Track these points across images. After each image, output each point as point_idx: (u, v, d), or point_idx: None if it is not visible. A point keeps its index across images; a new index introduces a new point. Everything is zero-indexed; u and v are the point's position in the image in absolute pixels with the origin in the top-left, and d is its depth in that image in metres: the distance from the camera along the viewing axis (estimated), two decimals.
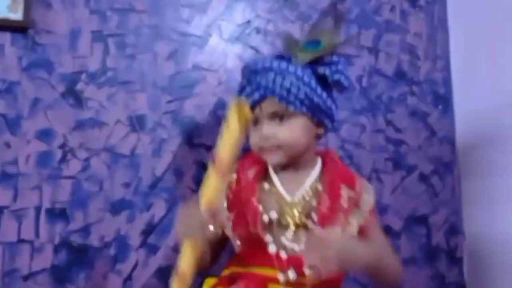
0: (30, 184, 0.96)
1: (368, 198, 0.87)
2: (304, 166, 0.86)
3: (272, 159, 0.83)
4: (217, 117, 1.11)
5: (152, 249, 1.03)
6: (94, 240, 0.99)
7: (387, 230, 1.24)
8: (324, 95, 0.83)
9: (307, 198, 0.83)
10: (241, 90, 0.85)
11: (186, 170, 1.07)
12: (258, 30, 1.18)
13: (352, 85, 1.26)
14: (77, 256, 0.97)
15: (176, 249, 1.04)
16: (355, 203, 0.84)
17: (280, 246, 0.80)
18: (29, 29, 0.99)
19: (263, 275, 0.79)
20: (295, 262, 0.79)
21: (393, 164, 1.27)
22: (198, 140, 1.09)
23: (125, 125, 1.04)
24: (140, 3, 1.08)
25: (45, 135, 0.98)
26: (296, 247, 0.80)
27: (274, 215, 0.81)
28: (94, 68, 1.03)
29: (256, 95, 0.81)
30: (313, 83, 0.81)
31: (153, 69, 1.08)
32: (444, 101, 1.37)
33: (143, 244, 1.02)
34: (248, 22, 1.18)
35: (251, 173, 0.85)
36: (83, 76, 1.02)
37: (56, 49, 1.01)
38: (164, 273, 1.03)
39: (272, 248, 0.80)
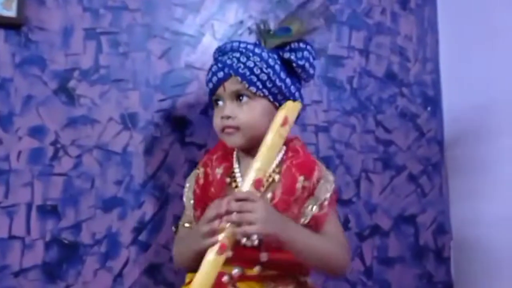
0: (22, 180, 0.97)
1: (325, 187, 0.84)
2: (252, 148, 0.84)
3: (231, 140, 0.84)
4: (209, 116, 1.12)
5: (143, 247, 1.03)
6: (85, 237, 0.99)
7: (376, 229, 1.26)
8: (288, 81, 0.84)
9: (262, 189, 0.80)
10: (208, 71, 0.86)
11: (178, 168, 1.08)
12: (250, 31, 1.19)
13: (343, 86, 1.28)
14: (68, 253, 0.98)
15: (166, 247, 1.04)
16: (309, 192, 0.82)
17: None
18: (22, 26, 0.99)
19: (221, 271, 0.77)
20: (243, 257, 0.78)
21: (383, 164, 1.29)
22: (190, 138, 1.10)
23: (118, 123, 1.05)
24: (133, 1, 1.09)
25: (37, 132, 0.99)
26: (249, 243, 0.77)
27: None
28: (87, 65, 1.04)
29: (221, 74, 0.83)
30: (278, 67, 0.83)
31: (146, 67, 1.08)
32: (433, 103, 1.39)
33: (134, 241, 1.03)
34: (241, 22, 1.19)
35: (219, 171, 0.85)
36: (76, 74, 1.02)
37: (49, 46, 1.01)
38: (155, 270, 1.03)
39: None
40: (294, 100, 0.85)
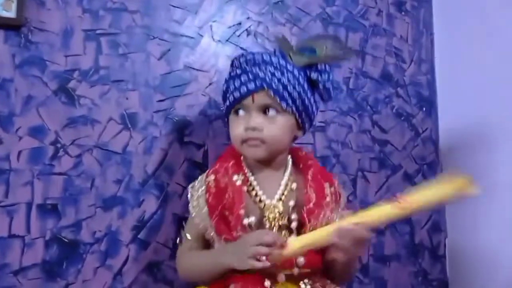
0: (22, 180, 0.98)
1: (343, 194, 0.90)
2: (279, 165, 0.88)
3: (254, 152, 0.83)
4: (208, 116, 1.13)
5: (143, 245, 1.04)
6: (85, 236, 1.00)
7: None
8: (312, 99, 0.86)
9: (283, 199, 0.84)
10: (231, 79, 0.85)
11: (177, 167, 1.09)
12: (248, 32, 1.21)
13: (339, 86, 1.29)
14: (68, 251, 0.99)
15: (166, 245, 1.06)
16: (335, 200, 0.86)
17: None
18: (22, 27, 1.00)
19: (257, 275, 0.78)
20: (283, 263, 0.79)
21: (379, 164, 1.31)
22: (189, 138, 1.11)
23: (117, 123, 1.06)
24: (133, 3, 1.10)
25: (37, 132, 1.00)
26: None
27: (252, 219, 0.81)
28: (87, 66, 1.05)
29: (252, 85, 0.82)
30: (306, 85, 0.84)
31: (145, 68, 1.10)
32: (428, 103, 1.41)
33: (134, 239, 1.04)
34: (239, 24, 1.20)
35: (237, 178, 0.84)
36: (76, 74, 1.04)
37: (49, 47, 1.02)
38: (155, 268, 1.04)
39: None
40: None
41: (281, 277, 0.80)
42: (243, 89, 0.82)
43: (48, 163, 1.00)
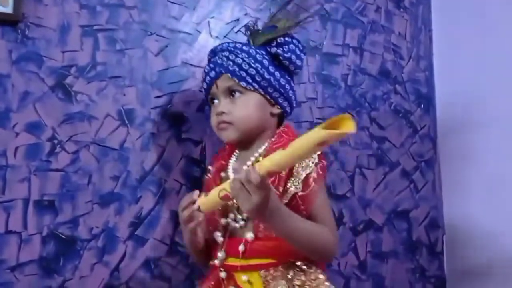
0: (19, 176, 0.97)
1: (305, 163, 0.82)
2: (259, 145, 0.88)
3: (226, 134, 0.87)
4: (205, 113, 1.13)
5: (140, 241, 1.04)
6: (82, 232, 1.00)
7: (370, 224, 1.28)
8: (277, 73, 0.88)
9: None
10: (203, 72, 0.92)
11: (174, 164, 1.09)
12: (246, 28, 1.20)
13: (337, 83, 1.29)
14: (65, 247, 0.98)
15: (163, 241, 1.06)
16: (289, 171, 0.82)
17: (226, 229, 0.85)
18: (19, 22, 1.00)
19: (216, 267, 0.84)
20: (232, 243, 0.83)
21: (376, 161, 1.31)
22: (186, 135, 1.11)
23: (115, 119, 1.06)
24: None
25: (34, 128, 0.99)
26: (237, 225, 0.84)
27: None
28: (84, 62, 1.04)
29: (212, 73, 0.88)
30: (266, 62, 0.87)
31: (143, 64, 1.09)
32: (426, 100, 1.41)
33: (131, 236, 1.04)
34: (237, 20, 1.20)
35: (214, 167, 0.92)
36: (73, 70, 1.03)
37: (46, 43, 1.02)
38: (152, 264, 1.04)
39: (217, 234, 0.85)
40: (289, 104, 0.90)
41: (221, 254, 0.83)
42: (207, 78, 0.89)
43: (45, 159, 0.99)
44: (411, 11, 1.42)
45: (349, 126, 0.64)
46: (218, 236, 0.85)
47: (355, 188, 1.27)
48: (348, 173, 1.27)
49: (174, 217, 1.06)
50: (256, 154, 0.86)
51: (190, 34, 1.15)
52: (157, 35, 1.11)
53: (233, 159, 0.91)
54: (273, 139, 0.88)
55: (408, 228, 1.32)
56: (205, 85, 0.91)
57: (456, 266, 1.34)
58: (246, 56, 0.86)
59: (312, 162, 0.82)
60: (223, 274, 0.82)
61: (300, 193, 0.81)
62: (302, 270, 0.81)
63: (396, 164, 1.33)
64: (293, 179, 0.82)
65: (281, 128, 0.90)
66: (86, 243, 1.00)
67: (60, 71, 1.02)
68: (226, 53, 0.87)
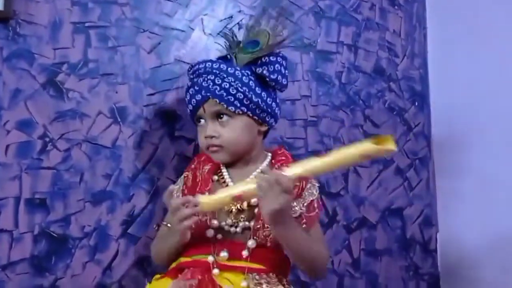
0: (10, 174, 0.97)
1: (311, 191, 0.88)
2: (253, 161, 0.90)
3: (217, 157, 0.88)
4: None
5: (133, 239, 1.04)
6: (74, 230, 1.00)
7: (364, 222, 1.28)
8: (264, 94, 0.87)
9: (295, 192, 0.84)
10: (186, 91, 0.89)
11: (167, 162, 1.09)
12: (240, 26, 1.20)
13: (332, 81, 1.29)
14: (57, 246, 0.98)
15: None
16: (298, 194, 0.86)
17: (220, 231, 0.84)
18: (11, 19, 0.99)
19: (207, 261, 0.82)
20: (231, 245, 0.82)
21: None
22: (179, 132, 1.10)
23: (107, 117, 1.05)
24: None
25: (25, 125, 0.98)
26: (233, 230, 0.84)
27: None
28: (76, 59, 1.03)
29: (199, 97, 0.86)
30: (252, 83, 0.86)
31: (135, 61, 1.08)
32: (420, 98, 1.41)
33: (123, 234, 1.03)
34: (231, 17, 1.19)
35: (206, 168, 0.89)
36: (64, 67, 1.02)
37: (37, 40, 1.01)
38: (144, 263, 1.04)
39: (210, 233, 0.83)
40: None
41: (223, 254, 0.82)
42: (193, 101, 0.87)
43: (36, 157, 0.99)
44: (406, 8, 1.42)
45: (391, 145, 0.72)
46: (212, 236, 0.84)
47: (349, 186, 1.27)
48: (341, 171, 1.27)
49: (162, 221, 1.06)
50: (258, 170, 0.87)
51: (183, 31, 1.14)
52: (150, 32, 1.11)
53: (224, 170, 0.89)
54: (277, 158, 0.89)
55: (402, 226, 1.33)
56: (190, 107, 0.89)
57: (450, 264, 1.34)
58: (233, 80, 0.84)
59: (316, 191, 0.89)
60: (216, 271, 0.81)
61: (305, 214, 0.85)
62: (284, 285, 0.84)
63: (390, 162, 1.33)
64: (300, 200, 0.86)
65: (282, 150, 0.92)
66: (78, 242, 1.00)
67: (52, 68, 1.02)
68: (211, 76, 0.85)
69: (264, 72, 0.86)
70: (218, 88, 0.84)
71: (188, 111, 0.91)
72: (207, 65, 0.87)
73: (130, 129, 1.06)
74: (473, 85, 1.31)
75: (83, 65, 1.04)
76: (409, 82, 1.40)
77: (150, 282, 0.85)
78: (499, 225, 1.21)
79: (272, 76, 0.86)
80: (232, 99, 0.84)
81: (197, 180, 0.88)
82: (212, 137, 0.86)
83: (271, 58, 0.87)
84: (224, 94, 0.84)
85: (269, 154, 0.92)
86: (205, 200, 0.79)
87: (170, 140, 1.09)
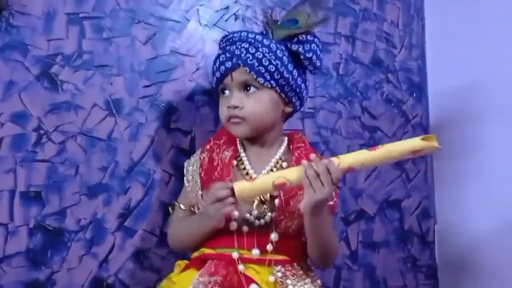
0: (4, 167, 0.95)
1: None
2: (270, 143, 0.88)
3: (237, 130, 0.85)
4: (195, 102, 1.11)
5: (129, 232, 1.03)
6: (70, 224, 0.99)
7: (362, 214, 1.28)
8: (295, 72, 0.85)
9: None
10: (215, 59, 0.87)
11: (164, 154, 1.08)
12: (236, 17, 1.18)
13: (329, 72, 1.28)
14: (53, 239, 0.97)
15: (153, 232, 1.05)
16: None
17: (244, 222, 0.83)
18: (3, 10, 0.97)
19: (231, 255, 0.81)
20: (257, 238, 0.81)
21: None
22: (175, 125, 1.09)
23: (102, 109, 1.04)
24: None
25: (19, 118, 0.97)
26: (258, 222, 0.82)
27: None
28: (70, 51, 1.02)
29: (228, 64, 0.83)
30: (285, 59, 0.84)
31: (130, 53, 1.07)
32: (418, 89, 1.40)
33: (120, 227, 1.02)
34: (227, 8, 1.18)
35: (227, 153, 0.86)
36: (59, 59, 1.01)
37: (31, 31, 0.99)
38: (141, 256, 1.03)
39: (233, 225, 0.82)
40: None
41: (255, 252, 0.81)
42: (222, 68, 0.85)
43: (31, 150, 0.98)
44: None
45: (436, 143, 0.77)
46: (236, 228, 0.82)
47: (347, 177, 1.27)
48: None
49: (163, 207, 1.05)
50: (276, 157, 0.87)
51: (178, 22, 1.13)
52: (145, 23, 1.09)
53: (241, 151, 0.88)
54: (296, 144, 0.88)
55: (400, 218, 1.32)
56: (218, 74, 0.86)
57: (447, 256, 1.34)
58: (267, 50, 0.82)
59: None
60: (241, 267, 0.80)
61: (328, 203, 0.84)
62: (309, 274, 0.85)
63: None
64: None
65: (299, 134, 0.92)
66: (74, 235, 0.99)
67: (46, 60, 1.00)
68: (246, 45, 0.83)
69: (300, 49, 0.84)
70: (251, 57, 0.82)
71: (214, 79, 0.88)
72: (242, 34, 0.85)
73: (126, 121, 1.05)
74: (471, 76, 1.30)
75: (78, 56, 1.03)
76: (407, 73, 1.39)
77: (163, 274, 0.87)
78: (497, 217, 1.21)
79: (307, 55, 0.84)
80: (263, 70, 0.82)
81: (215, 163, 0.86)
82: (235, 107, 0.83)
83: (308, 37, 0.85)
84: (256, 63, 0.82)
85: (286, 138, 0.91)
86: (243, 186, 0.76)
87: (166, 132, 1.08)
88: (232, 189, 0.77)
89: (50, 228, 0.97)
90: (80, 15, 1.04)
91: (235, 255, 0.80)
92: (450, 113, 1.36)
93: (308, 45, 0.85)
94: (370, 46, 1.34)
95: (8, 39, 0.98)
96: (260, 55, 0.82)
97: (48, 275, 0.96)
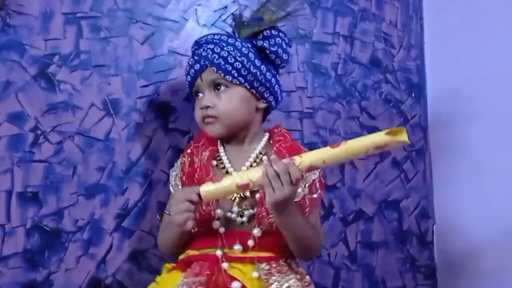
0: (2, 167, 0.95)
1: (314, 171, 0.86)
2: (250, 140, 0.89)
3: (211, 129, 0.87)
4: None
5: (127, 233, 1.03)
6: (67, 224, 0.98)
7: (360, 214, 1.27)
8: (263, 67, 0.86)
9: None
10: (187, 65, 0.89)
11: (161, 154, 1.07)
12: (234, 16, 1.18)
13: (327, 72, 1.28)
14: (50, 240, 0.97)
15: (150, 233, 1.04)
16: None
17: (226, 221, 0.83)
18: (1, 10, 0.97)
19: (215, 254, 0.81)
20: (239, 235, 0.81)
21: None
22: (173, 125, 1.09)
23: (100, 109, 1.03)
24: None
25: (16, 118, 0.97)
26: (240, 219, 0.83)
27: None
28: (67, 50, 1.02)
29: (197, 66, 0.86)
30: (251, 55, 0.86)
31: (128, 53, 1.07)
32: (417, 89, 1.40)
33: (117, 228, 1.02)
34: (225, 8, 1.18)
35: (205, 153, 0.87)
36: (56, 59, 1.01)
37: (28, 31, 0.99)
38: (139, 256, 1.03)
39: (216, 224, 0.82)
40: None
41: (238, 247, 0.81)
42: (191, 71, 0.87)
43: (28, 150, 0.97)
44: None
45: (403, 137, 0.71)
46: (219, 227, 0.82)
47: (345, 178, 1.26)
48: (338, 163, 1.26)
49: (162, 208, 1.04)
50: (256, 151, 0.87)
51: (176, 22, 1.12)
52: (143, 22, 1.09)
53: (221, 150, 0.88)
54: (275, 138, 0.88)
55: (399, 218, 1.32)
56: (189, 78, 0.88)
57: (446, 256, 1.34)
58: (232, 49, 0.84)
59: (318, 170, 0.85)
60: (225, 265, 0.80)
61: (308, 196, 0.84)
62: (295, 270, 0.84)
63: (386, 154, 1.32)
64: (302, 180, 0.84)
65: (279, 128, 0.91)
66: (71, 235, 0.99)
67: (43, 59, 1.00)
68: (211, 46, 0.85)
69: (265, 44, 0.86)
70: (217, 56, 0.84)
71: (187, 84, 0.90)
72: (208, 36, 0.88)
73: (123, 122, 1.05)
74: (470, 76, 1.30)
75: (75, 56, 1.02)
76: (405, 73, 1.39)
77: (159, 274, 0.86)
78: (496, 218, 1.21)
79: (272, 49, 0.86)
80: (230, 68, 0.84)
81: (195, 166, 0.86)
82: (207, 107, 0.85)
83: (272, 31, 0.87)
84: (222, 62, 0.84)
85: (267, 134, 0.91)
86: (208, 188, 0.76)
87: (164, 133, 1.08)
88: (199, 193, 0.77)
89: (47, 228, 0.97)
90: (78, 15, 1.03)
91: (218, 253, 0.80)
92: (449, 113, 1.36)
93: (273, 40, 0.86)
94: (368, 46, 1.34)
95: (5, 38, 0.98)
96: (225, 53, 0.84)
97: (45, 276, 0.96)
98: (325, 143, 1.24)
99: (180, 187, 0.88)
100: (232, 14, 0.95)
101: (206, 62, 0.85)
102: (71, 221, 0.99)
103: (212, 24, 1.15)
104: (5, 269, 0.93)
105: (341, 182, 1.26)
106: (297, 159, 0.74)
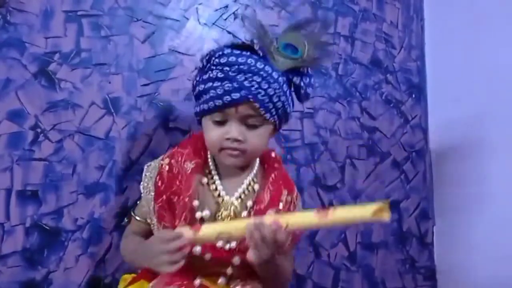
0: (1, 165, 0.95)
1: (299, 206, 0.88)
2: (245, 166, 0.85)
3: (233, 162, 0.80)
4: (193, 102, 1.10)
5: None
6: (66, 223, 0.98)
7: None
8: (292, 104, 0.84)
9: (243, 197, 0.83)
10: (210, 81, 0.78)
11: (161, 153, 1.06)
12: (235, 16, 1.18)
13: (328, 72, 1.27)
14: (49, 238, 0.96)
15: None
16: (289, 208, 0.84)
17: (208, 248, 0.79)
18: (1, 7, 0.97)
19: (190, 272, 0.78)
20: (221, 265, 0.80)
21: (367, 151, 1.30)
22: (174, 124, 1.09)
23: (100, 107, 1.03)
24: None
25: (16, 116, 0.96)
26: (221, 247, 0.79)
27: (207, 213, 0.80)
28: (68, 48, 1.01)
29: (236, 95, 0.76)
30: (288, 92, 0.81)
31: (129, 51, 1.07)
32: (417, 90, 1.40)
33: (117, 226, 1.02)
34: (226, 7, 1.17)
35: (189, 166, 0.81)
36: (56, 57, 1.00)
37: (29, 29, 0.99)
38: None
39: (196, 252, 0.78)
40: None
41: (221, 280, 0.80)
42: (227, 98, 0.76)
43: (28, 148, 0.97)
44: None
45: (385, 215, 0.69)
46: (200, 254, 0.79)
47: (346, 178, 1.26)
48: (338, 164, 1.26)
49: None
50: (249, 178, 0.84)
51: (177, 20, 1.12)
52: (144, 21, 1.09)
53: (212, 166, 0.84)
54: (271, 165, 0.87)
55: (399, 219, 1.32)
56: (219, 102, 0.77)
57: (446, 257, 1.34)
58: (277, 87, 0.77)
59: (300, 202, 0.88)
60: (197, 282, 0.79)
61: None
62: None
63: (387, 155, 1.32)
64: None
65: (274, 154, 0.90)
66: (70, 234, 0.98)
67: (43, 57, 1.00)
68: (258, 78, 0.76)
69: (301, 83, 0.81)
70: (263, 92, 0.76)
71: (207, 104, 0.78)
72: (249, 62, 0.76)
73: (124, 120, 1.05)
74: (470, 77, 1.30)
75: (76, 54, 1.02)
76: (406, 74, 1.39)
77: None
78: (496, 218, 1.20)
79: (307, 90, 0.82)
80: (271, 106, 0.78)
81: (175, 174, 0.81)
82: (237, 140, 0.78)
83: (309, 70, 0.82)
84: (267, 99, 0.77)
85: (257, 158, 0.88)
86: (189, 235, 0.73)
87: (164, 131, 1.08)
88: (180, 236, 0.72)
89: (46, 227, 0.96)
90: (78, 13, 1.03)
91: (196, 283, 0.78)
92: (449, 114, 1.36)
93: (308, 79, 0.82)
94: (369, 46, 1.34)
95: (5, 36, 0.97)
96: (272, 91, 0.77)
97: (44, 274, 0.95)
98: (325, 144, 1.24)
99: (152, 192, 0.83)
100: (247, 19, 0.87)
101: (250, 97, 0.76)
102: (70, 220, 0.98)
103: (213, 23, 1.15)
104: (4, 268, 0.93)
105: (341, 183, 1.26)
106: (283, 223, 0.71)
